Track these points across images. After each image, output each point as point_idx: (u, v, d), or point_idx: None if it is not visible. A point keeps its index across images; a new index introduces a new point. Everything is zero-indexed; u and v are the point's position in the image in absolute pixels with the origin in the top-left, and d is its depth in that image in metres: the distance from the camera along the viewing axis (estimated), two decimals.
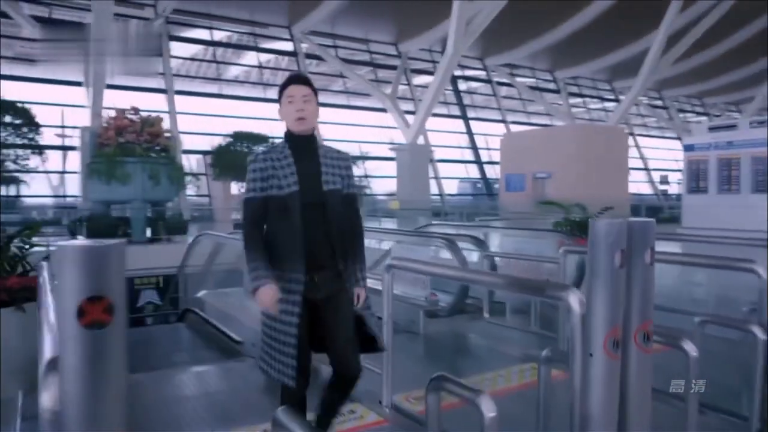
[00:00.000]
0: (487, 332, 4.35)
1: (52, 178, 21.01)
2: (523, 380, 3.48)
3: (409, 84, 28.00)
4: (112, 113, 12.99)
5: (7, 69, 20.12)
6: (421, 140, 23.75)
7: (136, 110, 12.65)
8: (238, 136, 14.35)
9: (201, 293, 5.85)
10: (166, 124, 13.78)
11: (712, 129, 13.14)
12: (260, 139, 14.15)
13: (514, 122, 30.29)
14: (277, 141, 2.46)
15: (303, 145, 2.35)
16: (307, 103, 2.33)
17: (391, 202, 20.20)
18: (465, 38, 20.75)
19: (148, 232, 12.62)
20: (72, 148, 17.82)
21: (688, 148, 13.30)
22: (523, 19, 23.78)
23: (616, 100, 32.44)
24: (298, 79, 2.40)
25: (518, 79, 31.15)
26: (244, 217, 2.33)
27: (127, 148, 11.91)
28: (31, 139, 11.70)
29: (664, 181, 30.81)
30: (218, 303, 5.31)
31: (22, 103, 13.47)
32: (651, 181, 32.61)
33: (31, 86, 20.23)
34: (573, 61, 30.41)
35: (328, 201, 2.30)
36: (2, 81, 19.26)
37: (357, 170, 22.30)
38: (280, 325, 2.24)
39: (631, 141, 32.97)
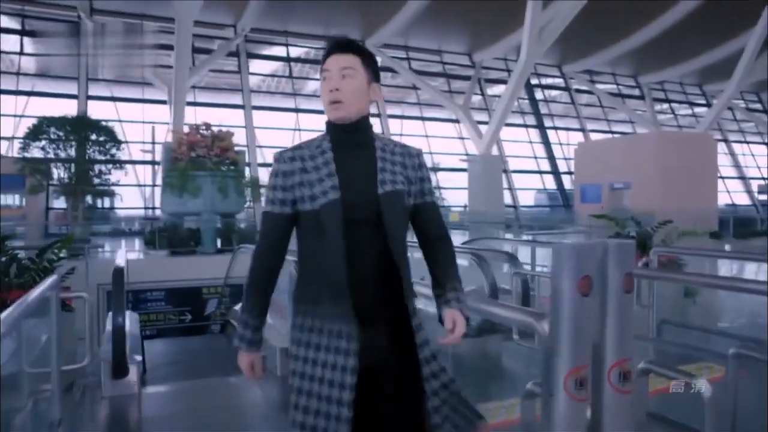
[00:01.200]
0: (514, 355, 4.10)
1: (144, 191, 22.40)
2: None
3: (483, 94, 27.60)
4: (187, 129, 13.68)
5: (104, 90, 21.76)
6: (494, 151, 23.27)
7: (207, 126, 13.22)
8: None
9: (238, 305, 5.93)
10: (237, 139, 14.31)
11: None
12: None
13: (594, 131, 29.10)
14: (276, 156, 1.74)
15: (348, 138, 1.68)
16: (346, 79, 1.64)
17: (451, 214, 19.86)
18: (539, 45, 20.18)
19: (219, 243, 13.11)
20: (156, 163, 18.87)
21: None
22: (603, 22, 22.85)
23: (708, 105, 30.41)
24: (337, 45, 1.69)
25: (598, 86, 29.91)
26: (258, 238, 1.72)
27: (199, 162, 12.45)
28: (113, 155, 12.48)
29: (764, 190, 28.44)
30: None
31: (108, 121, 14.46)
32: (749, 191, 30.21)
33: (124, 105, 21.73)
34: (658, 65, 28.81)
35: (386, 210, 1.59)
36: (100, 101, 20.85)
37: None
38: (323, 406, 1.53)
39: (725, 148, 30.85)
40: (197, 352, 5.36)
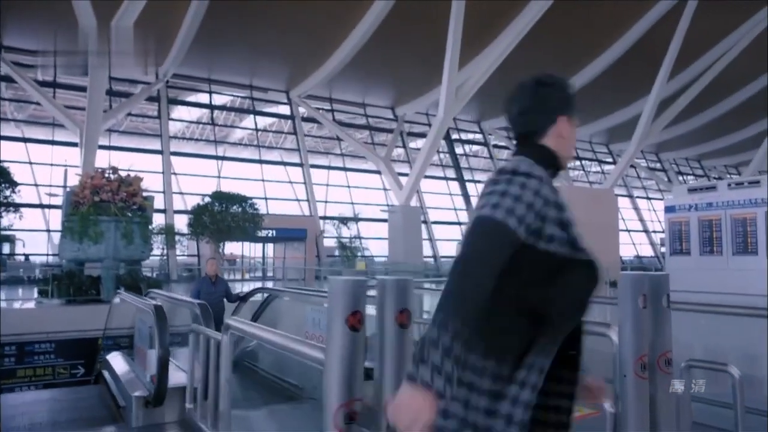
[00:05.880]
0: None
1: (52, 237, 21.24)
2: None
3: (405, 147, 28.33)
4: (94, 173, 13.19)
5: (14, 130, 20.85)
6: (414, 202, 23.75)
7: (114, 170, 12.80)
8: (217, 197, 14.40)
9: (110, 355, 5.68)
10: (153, 185, 13.96)
11: (691, 191, 12.96)
12: (238, 199, 14.16)
13: None
14: (524, 166, 1.33)
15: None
16: None
17: (358, 263, 19.94)
18: (456, 102, 21.10)
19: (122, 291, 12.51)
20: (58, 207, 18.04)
21: (668, 209, 13.09)
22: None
23: (614, 163, 32.47)
24: None
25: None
26: (474, 252, 1.20)
27: (102, 207, 11.96)
28: (7, 197, 11.82)
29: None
30: (118, 365, 5.13)
31: (10, 161, 13.81)
32: (652, 243, 32.21)
33: (38, 147, 20.93)
34: None
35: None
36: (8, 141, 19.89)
37: (349, 231, 22.28)
38: None
39: (629, 203, 32.95)
40: (63, 406, 5.00)
